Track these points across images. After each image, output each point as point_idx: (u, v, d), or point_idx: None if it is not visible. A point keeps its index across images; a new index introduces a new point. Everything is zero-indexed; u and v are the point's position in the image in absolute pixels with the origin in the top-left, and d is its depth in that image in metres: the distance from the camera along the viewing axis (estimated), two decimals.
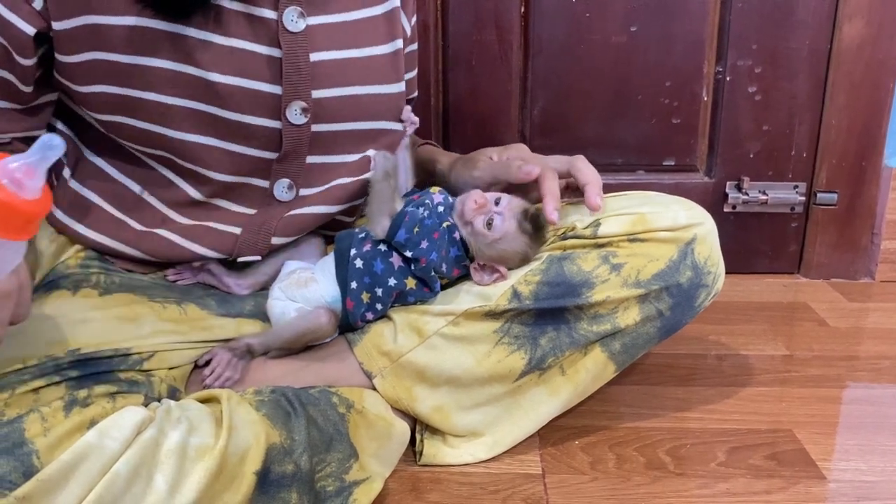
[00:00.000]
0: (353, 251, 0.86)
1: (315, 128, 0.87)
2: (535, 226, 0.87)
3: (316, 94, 0.85)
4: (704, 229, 0.89)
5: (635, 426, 0.96)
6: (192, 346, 0.83)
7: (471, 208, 0.86)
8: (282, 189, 0.90)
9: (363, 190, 0.93)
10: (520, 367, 0.86)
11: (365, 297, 0.86)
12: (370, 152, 0.93)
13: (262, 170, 0.88)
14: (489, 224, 0.86)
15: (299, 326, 0.85)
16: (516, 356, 0.86)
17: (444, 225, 0.86)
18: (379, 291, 0.86)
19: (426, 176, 1.03)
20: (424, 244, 0.84)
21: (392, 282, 0.86)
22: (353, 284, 0.85)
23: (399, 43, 0.93)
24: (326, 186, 0.92)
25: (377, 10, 0.91)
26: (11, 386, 0.65)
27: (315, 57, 0.85)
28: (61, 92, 0.86)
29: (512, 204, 0.87)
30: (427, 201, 0.88)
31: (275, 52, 0.83)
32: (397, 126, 0.95)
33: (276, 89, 0.83)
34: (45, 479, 0.58)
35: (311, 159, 0.89)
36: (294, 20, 0.83)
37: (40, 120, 0.87)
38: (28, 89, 0.82)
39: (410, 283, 0.86)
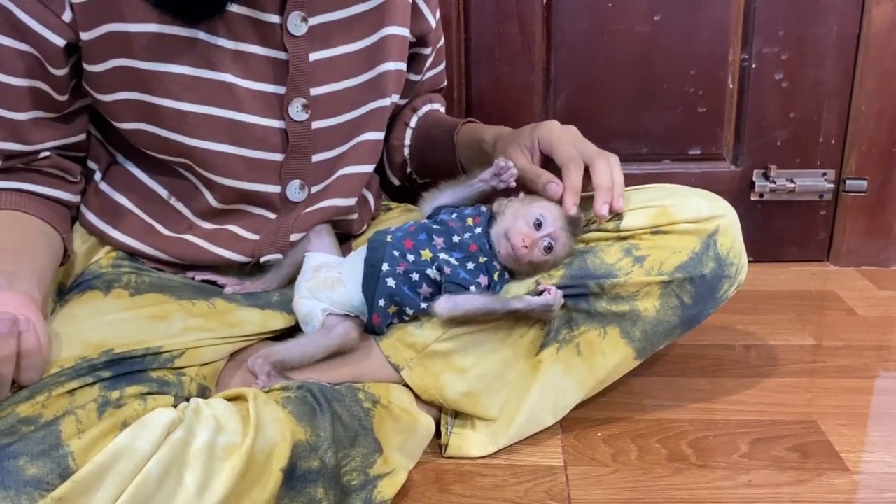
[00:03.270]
0: (385, 266, 0.86)
1: (315, 125, 0.90)
2: (579, 224, 0.88)
3: (314, 91, 0.89)
4: (727, 221, 0.89)
5: (658, 418, 0.96)
6: (221, 342, 0.85)
7: (524, 253, 0.85)
8: (294, 190, 0.93)
9: (367, 178, 0.98)
10: (539, 338, 0.88)
11: (392, 310, 0.88)
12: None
13: (273, 174, 0.91)
14: (548, 250, 0.86)
15: (331, 345, 0.86)
16: (536, 328, 0.88)
17: (496, 276, 0.87)
18: (409, 310, 0.88)
19: (473, 155, 1.03)
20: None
21: (423, 305, 0.87)
22: (381, 302, 0.87)
23: (388, 30, 0.94)
24: (333, 178, 0.95)
25: (371, 4, 0.93)
26: (48, 388, 0.67)
27: (314, 56, 0.88)
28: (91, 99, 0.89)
29: (553, 219, 0.86)
30: (483, 257, 0.87)
31: (279, 55, 0.87)
32: (385, 101, 0.97)
33: (279, 89, 0.87)
34: (80, 481, 0.61)
35: (316, 157, 0.93)
36: (297, 24, 0.86)
37: (77, 126, 0.90)
38: (63, 98, 0.85)
39: None
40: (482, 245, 0.87)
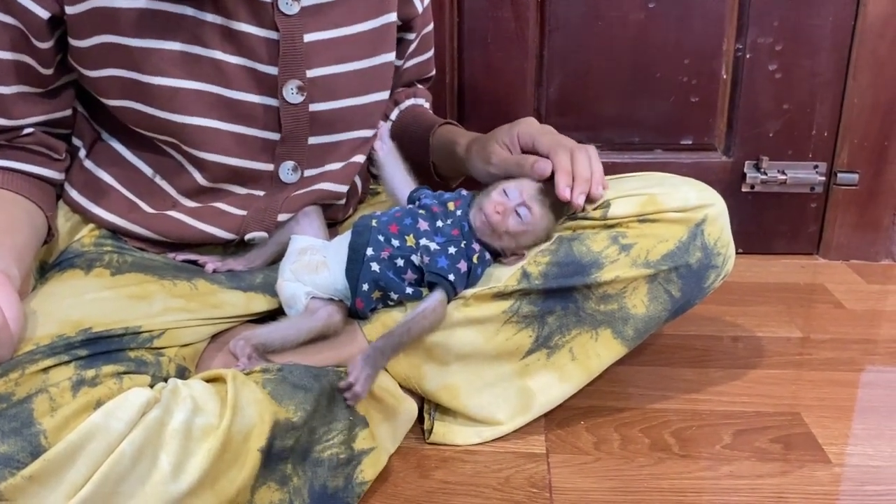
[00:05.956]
0: (369, 251, 0.86)
1: (313, 107, 0.89)
2: (555, 197, 0.87)
3: (310, 73, 0.88)
4: (715, 210, 0.89)
5: (642, 407, 0.96)
6: (202, 323, 0.85)
7: (497, 220, 0.85)
8: (287, 171, 0.92)
9: (360, 167, 0.99)
10: (527, 344, 0.87)
11: (376, 295, 0.87)
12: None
13: (266, 152, 0.90)
14: (521, 217, 0.85)
15: (314, 329, 0.85)
16: (524, 334, 0.87)
17: (475, 259, 0.86)
18: (393, 295, 0.87)
19: (446, 156, 1.04)
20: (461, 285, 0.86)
21: (408, 290, 0.87)
22: (365, 286, 0.86)
23: (390, 17, 0.94)
24: (329, 163, 0.95)
25: None
26: (22, 366, 0.66)
27: (309, 37, 0.87)
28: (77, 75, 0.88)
29: (523, 188, 0.86)
30: (463, 243, 0.87)
31: (271, 34, 0.85)
32: (386, 94, 0.97)
33: (272, 70, 0.86)
34: (52, 459, 0.60)
35: (313, 140, 0.92)
36: (288, 3, 0.85)
37: (62, 102, 0.89)
38: (48, 72, 0.84)
39: (426, 291, 0.87)
40: (462, 228, 0.87)
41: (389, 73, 0.96)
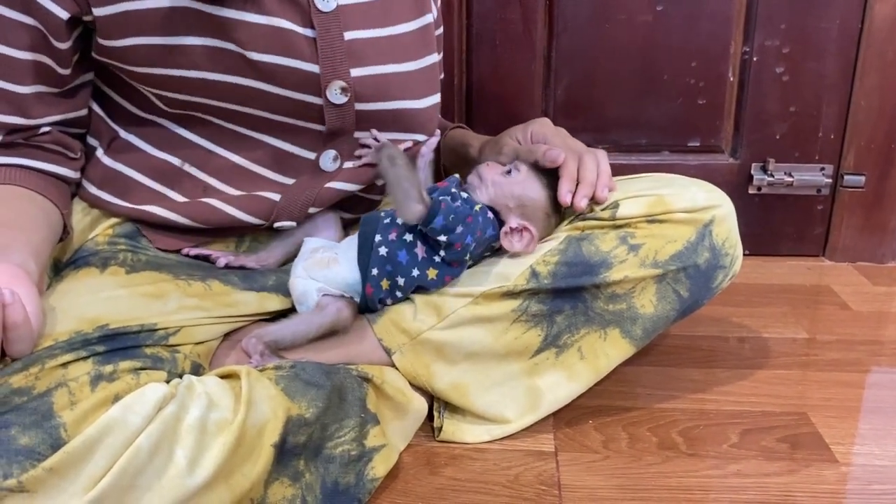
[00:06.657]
0: (377, 237, 0.87)
1: (360, 106, 0.89)
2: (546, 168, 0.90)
3: (355, 72, 0.87)
4: (723, 211, 0.89)
5: (650, 407, 0.97)
6: (216, 322, 0.85)
7: (485, 168, 0.90)
8: (328, 160, 0.92)
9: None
10: (536, 343, 0.88)
11: (385, 283, 0.88)
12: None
13: (309, 140, 0.91)
14: (508, 172, 0.89)
15: (323, 324, 0.86)
16: (532, 333, 0.87)
17: (477, 208, 0.87)
18: (400, 281, 0.88)
19: (458, 160, 1.05)
20: (459, 229, 0.84)
21: (415, 272, 0.87)
22: (375, 271, 0.87)
23: (428, 17, 0.95)
24: (361, 163, 0.95)
25: None
26: (41, 360, 0.67)
27: (349, 36, 0.87)
28: (103, 71, 0.89)
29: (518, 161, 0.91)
30: (452, 191, 0.89)
31: (310, 32, 0.85)
32: (438, 100, 0.97)
33: (315, 68, 0.86)
34: (72, 452, 0.61)
35: (359, 134, 0.92)
36: (325, 0, 0.85)
37: (78, 102, 0.90)
38: (66, 72, 0.85)
39: (432, 273, 0.87)
40: (459, 195, 0.89)
41: (437, 74, 0.97)
